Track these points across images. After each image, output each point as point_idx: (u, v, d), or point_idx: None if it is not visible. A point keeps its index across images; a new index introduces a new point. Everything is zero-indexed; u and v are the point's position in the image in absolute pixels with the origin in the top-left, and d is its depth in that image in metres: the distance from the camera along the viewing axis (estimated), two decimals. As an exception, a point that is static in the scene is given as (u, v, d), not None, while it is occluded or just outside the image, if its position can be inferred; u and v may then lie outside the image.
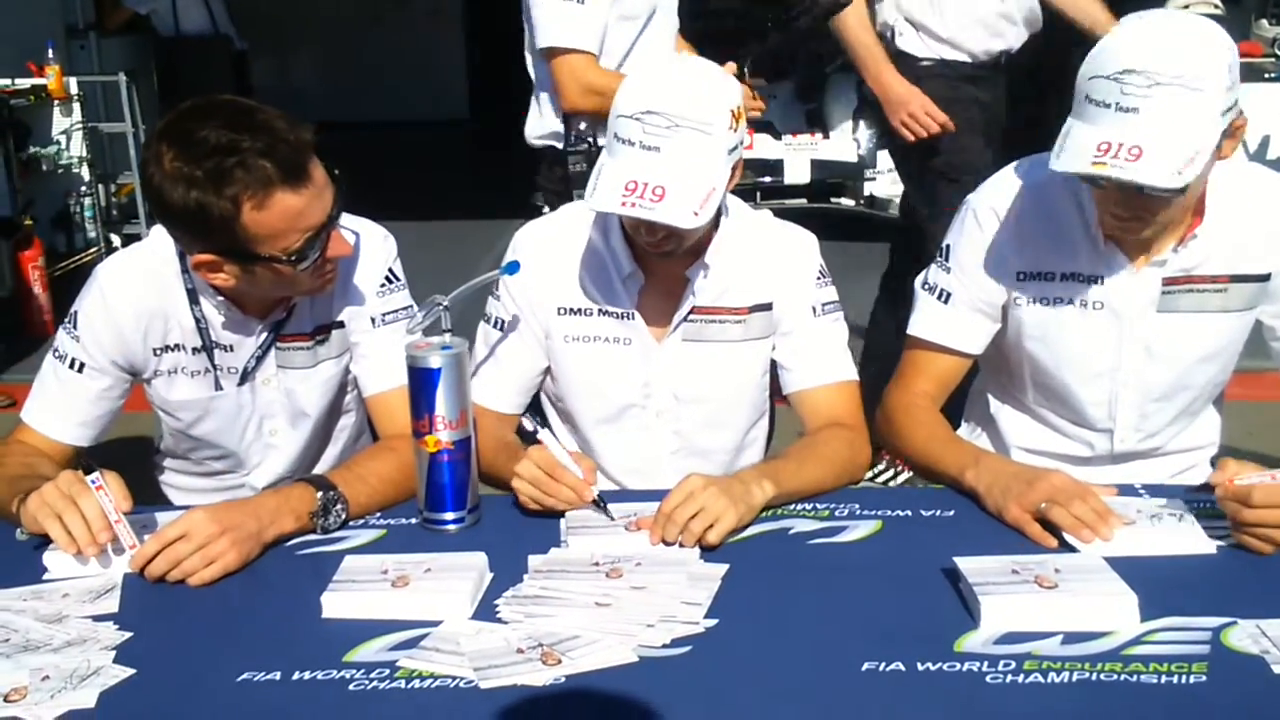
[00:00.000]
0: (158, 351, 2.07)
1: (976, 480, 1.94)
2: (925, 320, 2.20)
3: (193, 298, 2.04)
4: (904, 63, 3.66)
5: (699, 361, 2.15)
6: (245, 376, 2.11)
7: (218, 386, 2.10)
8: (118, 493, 1.73)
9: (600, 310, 2.15)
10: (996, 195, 2.12)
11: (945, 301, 2.16)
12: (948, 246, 2.17)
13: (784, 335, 2.17)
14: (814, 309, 2.16)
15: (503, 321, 2.19)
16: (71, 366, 2.05)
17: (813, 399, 2.17)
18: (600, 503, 1.88)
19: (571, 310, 2.16)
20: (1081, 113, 1.82)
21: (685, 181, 1.88)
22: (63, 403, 2.06)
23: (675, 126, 1.87)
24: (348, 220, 2.04)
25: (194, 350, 2.08)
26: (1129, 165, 1.75)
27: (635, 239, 2.06)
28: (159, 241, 2.04)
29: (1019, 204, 2.08)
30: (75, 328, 2.05)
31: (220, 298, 2.01)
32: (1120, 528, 1.78)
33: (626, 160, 1.90)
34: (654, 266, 2.11)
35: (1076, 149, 1.80)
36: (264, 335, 2.08)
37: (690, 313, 2.13)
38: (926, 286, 2.20)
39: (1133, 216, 1.90)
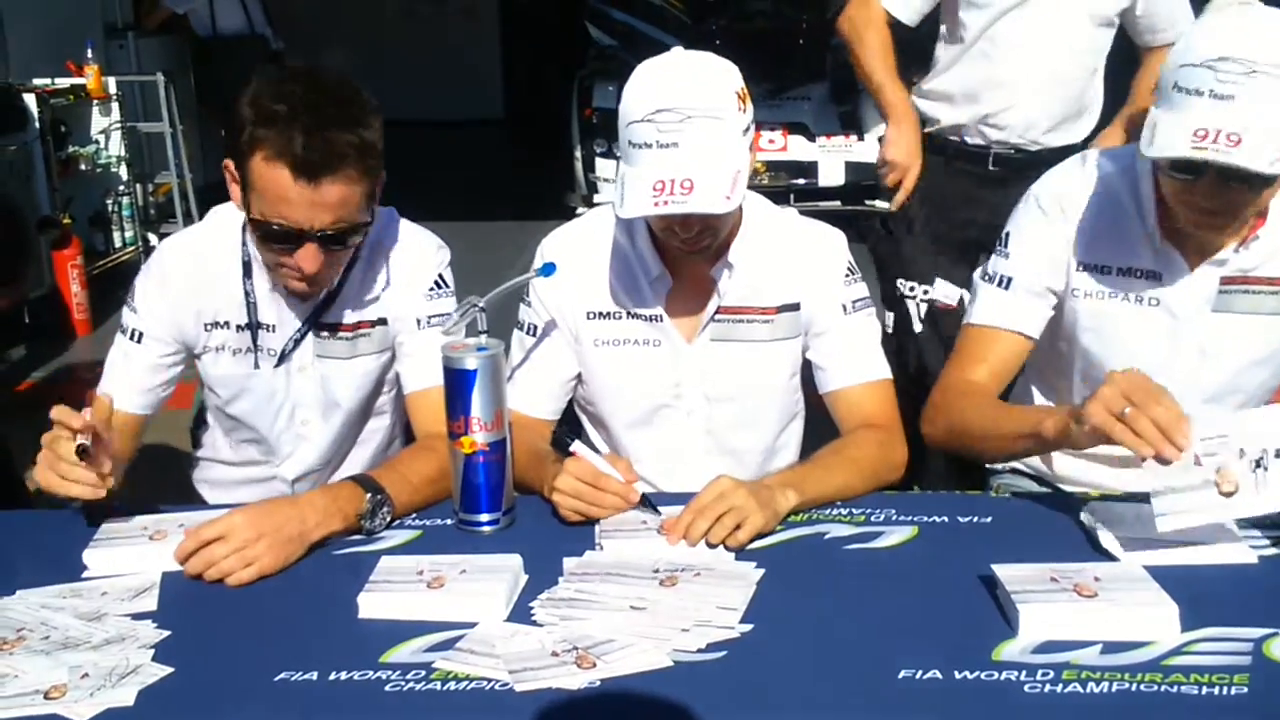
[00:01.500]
0: (208, 327, 2.14)
1: (1057, 421, 1.87)
2: (985, 308, 2.17)
3: (246, 270, 2.10)
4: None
5: (728, 361, 2.15)
6: (282, 358, 2.15)
7: (255, 366, 2.15)
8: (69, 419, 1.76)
9: (629, 313, 2.15)
10: (1060, 184, 2.13)
11: (1006, 288, 2.14)
12: (1007, 234, 2.17)
13: (816, 336, 2.17)
14: (844, 307, 2.15)
15: (535, 327, 2.20)
16: (132, 338, 2.14)
17: (846, 399, 2.16)
18: (647, 501, 1.88)
19: (600, 314, 2.16)
20: (1170, 102, 1.80)
21: (710, 169, 1.88)
22: (125, 372, 2.15)
23: (688, 119, 1.87)
24: (406, 229, 2.16)
25: (239, 328, 2.13)
26: (1230, 150, 1.73)
27: (668, 242, 2.06)
28: (220, 218, 2.12)
29: (1082, 195, 2.08)
30: (134, 300, 2.15)
31: (268, 270, 2.07)
32: (1227, 486, 1.68)
33: (647, 162, 1.90)
34: (681, 268, 2.12)
35: (1170, 135, 1.79)
36: (306, 318, 2.12)
37: (717, 312, 2.13)
38: (986, 277, 2.19)
39: (1220, 210, 1.89)
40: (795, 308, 2.15)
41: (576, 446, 1.91)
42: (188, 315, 2.13)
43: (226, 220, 2.10)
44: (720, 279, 2.11)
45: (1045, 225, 2.11)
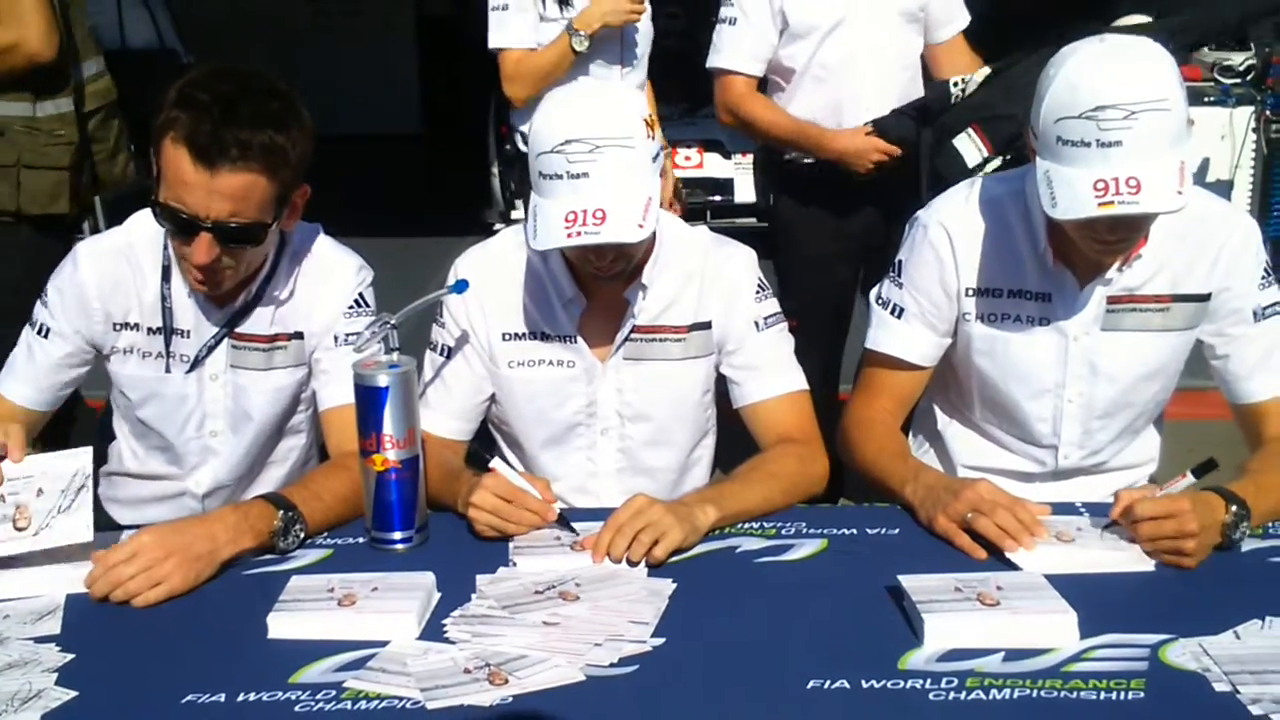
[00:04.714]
0: (117, 327, 2.13)
1: (913, 494, 1.97)
2: (879, 335, 2.23)
3: (165, 275, 2.10)
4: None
5: (641, 380, 2.17)
6: (195, 364, 2.13)
7: (167, 370, 2.14)
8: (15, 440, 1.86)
9: (543, 334, 2.16)
10: (948, 212, 2.16)
11: (898, 316, 2.19)
12: (900, 262, 2.20)
13: (730, 353, 2.19)
14: (755, 324, 2.18)
15: (448, 348, 2.20)
16: (40, 332, 2.15)
17: (763, 412, 2.18)
18: (564, 520, 1.89)
19: (515, 335, 2.17)
20: (1056, 155, 1.85)
21: (622, 198, 1.90)
22: (26, 367, 2.16)
23: (597, 148, 1.89)
24: (330, 247, 2.17)
25: (150, 331, 2.12)
26: (1133, 198, 1.79)
27: (583, 269, 2.08)
28: (139, 222, 2.11)
29: (970, 221, 2.12)
30: (46, 295, 2.15)
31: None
32: (1060, 544, 1.81)
33: (559, 193, 1.91)
34: (594, 289, 2.13)
35: (1072, 194, 1.83)
36: (220, 325, 2.12)
37: (632, 332, 2.15)
38: (880, 301, 2.23)
39: (1123, 238, 1.94)
40: (706, 326, 2.17)
41: (495, 464, 1.92)
42: (97, 315, 2.12)
43: (148, 224, 2.07)
44: (634, 300, 2.13)
45: (933, 256, 2.14)
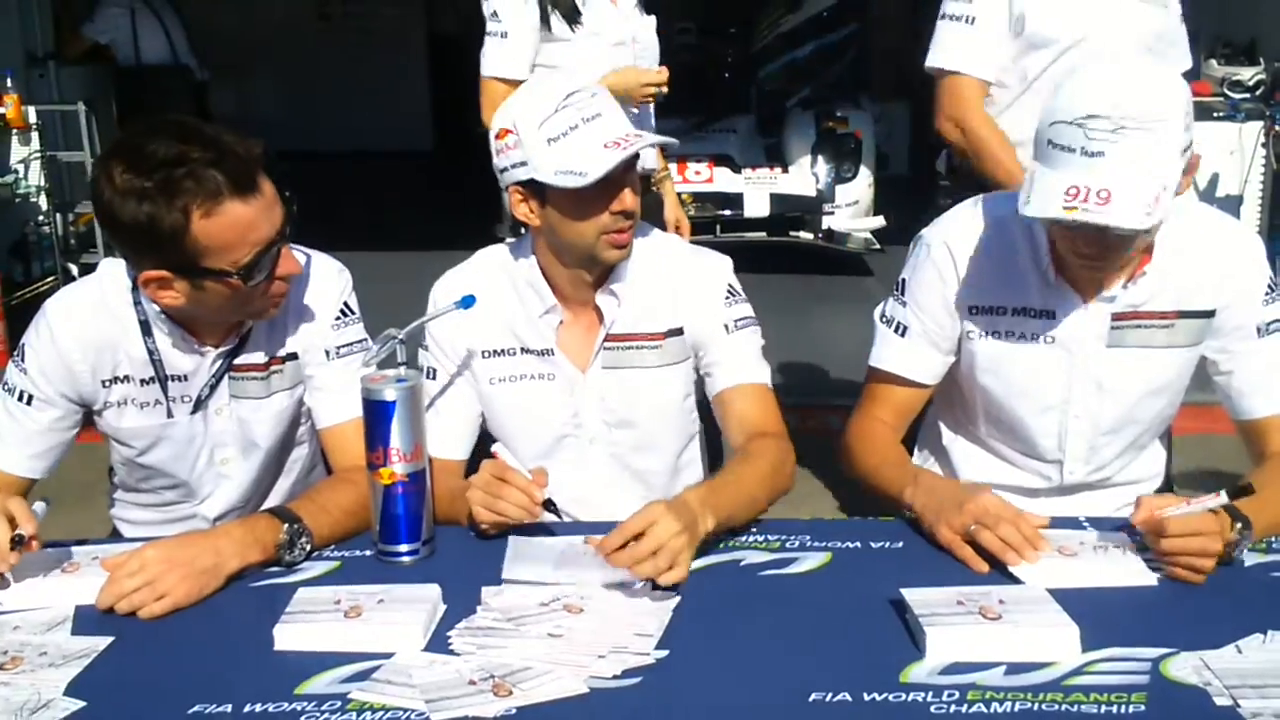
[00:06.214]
0: (106, 383, 2.07)
1: (914, 498, 1.98)
2: (883, 352, 2.24)
3: (145, 329, 2.04)
4: None
5: (622, 387, 2.20)
6: (199, 405, 2.11)
7: (169, 415, 2.10)
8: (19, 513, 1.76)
9: (522, 349, 2.19)
10: (951, 230, 2.17)
11: (902, 334, 2.20)
12: (904, 280, 2.22)
13: (701, 355, 2.22)
14: (726, 327, 2.20)
15: (435, 370, 2.22)
16: (20, 399, 2.06)
17: (729, 400, 2.20)
18: (551, 505, 1.90)
19: (495, 352, 2.20)
20: (1046, 157, 1.86)
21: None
22: (14, 435, 2.07)
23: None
24: (303, 253, 2.08)
25: (143, 382, 2.07)
26: (1099, 208, 1.79)
27: (605, 250, 2.08)
28: (108, 273, 2.06)
29: (973, 239, 2.13)
30: (23, 360, 2.06)
31: (174, 325, 2.03)
32: (1063, 558, 1.81)
33: (576, 137, 1.97)
34: (569, 300, 2.17)
35: (1045, 194, 1.84)
36: (217, 364, 2.09)
37: (606, 340, 2.17)
38: (884, 319, 2.24)
39: (1098, 256, 1.95)
40: (679, 332, 2.20)
41: (497, 448, 1.94)
42: (84, 376, 2.04)
43: (117, 278, 2.04)
44: (606, 308, 2.15)
45: (936, 275, 2.15)
